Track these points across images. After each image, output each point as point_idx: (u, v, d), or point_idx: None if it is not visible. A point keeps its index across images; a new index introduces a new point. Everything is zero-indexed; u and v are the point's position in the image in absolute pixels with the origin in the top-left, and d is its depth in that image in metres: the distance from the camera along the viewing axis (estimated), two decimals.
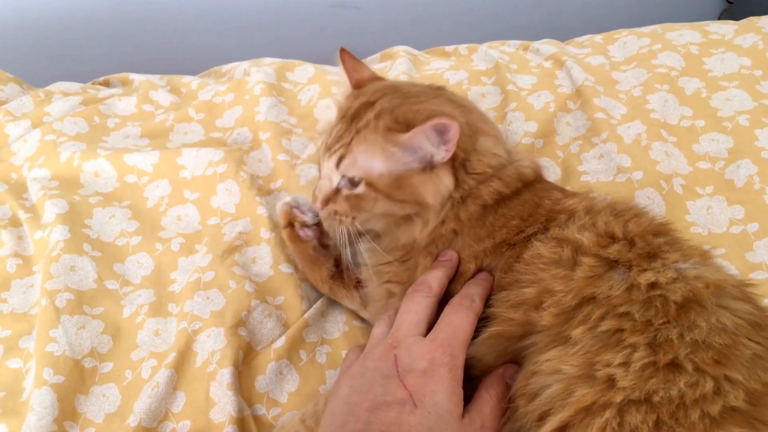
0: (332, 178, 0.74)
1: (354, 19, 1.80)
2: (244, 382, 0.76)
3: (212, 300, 0.82)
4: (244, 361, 0.78)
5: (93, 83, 1.27)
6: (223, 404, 0.72)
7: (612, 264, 0.61)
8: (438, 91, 0.78)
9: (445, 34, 1.59)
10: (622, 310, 0.57)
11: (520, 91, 1.08)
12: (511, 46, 1.25)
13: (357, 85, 0.81)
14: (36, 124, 1.09)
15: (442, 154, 0.69)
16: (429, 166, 0.70)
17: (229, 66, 1.28)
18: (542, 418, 0.57)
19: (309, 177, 0.98)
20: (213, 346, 0.76)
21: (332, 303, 0.86)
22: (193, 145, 1.05)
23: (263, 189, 0.97)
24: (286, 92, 1.15)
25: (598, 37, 1.23)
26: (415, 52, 1.27)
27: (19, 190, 0.99)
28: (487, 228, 0.71)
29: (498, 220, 0.71)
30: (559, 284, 0.61)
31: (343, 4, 1.80)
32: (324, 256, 0.85)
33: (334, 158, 0.72)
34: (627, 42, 1.18)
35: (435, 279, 0.69)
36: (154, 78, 1.23)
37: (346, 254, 0.80)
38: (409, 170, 0.70)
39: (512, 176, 0.73)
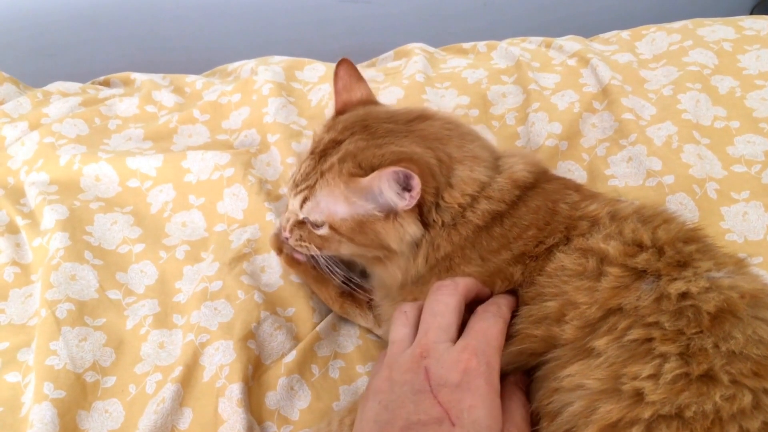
0: (298, 212, 0.76)
1: (365, 15, 1.81)
2: (254, 398, 0.76)
3: (220, 311, 0.82)
4: (254, 375, 0.78)
5: (93, 83, 1.28)
6: (233, 422, 0.72)
7: (640, 274, 0.61)
8: (411, 125, 0.76)
9: (462, 31, 1.59)
10: (650, 319, 0.57)
11: (542, 90, 1.08)
12: (532, 43, 1.25)
13: (341, 110, 0.82)
14: (34, 126, 1.10)
15: (405, 203, 0.68)
16: (393, 213, 0.70)
17: (236, 65, 1.29)
18: None
19: None
20: (221, 359, 0.77)
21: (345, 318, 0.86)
22: (198, 148, 1.06)
23: (272, 194, 0.98)
24: (295, 92, 1.16)
25: (625, 34, 1.23)
26: (431, 49, 1.27)
27: (16, 195, 1.00)
28: (497, 239, 0.71)
29: (510, 231, 0.70)
30: (582, 296, 0.61)
31: None
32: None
33: (299, 198, 0.75)
34: (656, 38, 1.18)
35: (460, 279, 0.68)
36: (157, 77, 1.24)
37: (336, 277, 0.81)
38: (372, 216, 0.71)
39: (504, 188, 0.72)
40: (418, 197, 0.68)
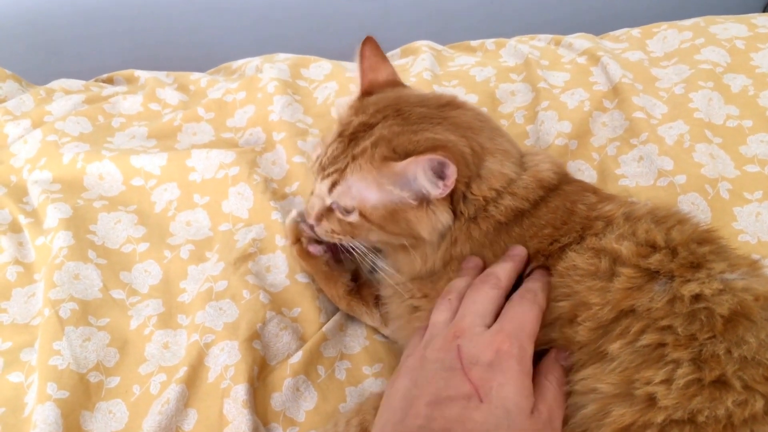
0: (324, 199, 0.75)
1: (370, 11, 1.81)
2: (259, 399, 0.76)
3: (225, 311, 0.82)
4: (259, 376, 0.78)
5: (96, 80, 1.29)
6: (238, 422, 0.72)
7: (653, 275, 0.61)
8: (444, 111, 0.76)
9: (470, 28, 1.59)
10: (663, 323, 0.57)
11: (552, 88, 1.08)
12: (541, 40, 1.26)
13: (367, 91, 0.81)
14: (37, 123, 1.11)
15: (438, 191, 0.69)
16: (425, 201, 0.71)
17: (240, 62, 1.29)
18: None
19: None
20: (226, 360, 0.77)
21: (352, 315, 0.86)
22: (203, 146, 1.06)
23: (278, 193, 0.98)
24: (301, 90, 1.16)
25: (635, 31, 1.23)
26: (439, 47, 1.27)
27: (19, 193, 1.01)
28: (514, 239, 0.71)
29: (528, 231, 0.71)
30: (595, 297, 0.61)
31: None
32: (339, 271, 0.85)
33: (327, 182, 0.74)
34: (667, 36, 1.18)
35: (503, 271, 0.68)
36: (161, 75, 1.25)
37: (365, 267, 0.80)
38: (404, 204, 0.71)
39: (529, 187, 0.73)
40: (452, 186, 0.68)
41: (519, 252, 0.70)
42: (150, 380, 0.78)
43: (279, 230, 0.92)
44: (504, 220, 0.71)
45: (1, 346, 0.82)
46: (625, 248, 0.63)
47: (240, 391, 0.74)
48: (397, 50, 1.31)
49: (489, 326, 0.62)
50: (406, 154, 0.68)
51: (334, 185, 0.73)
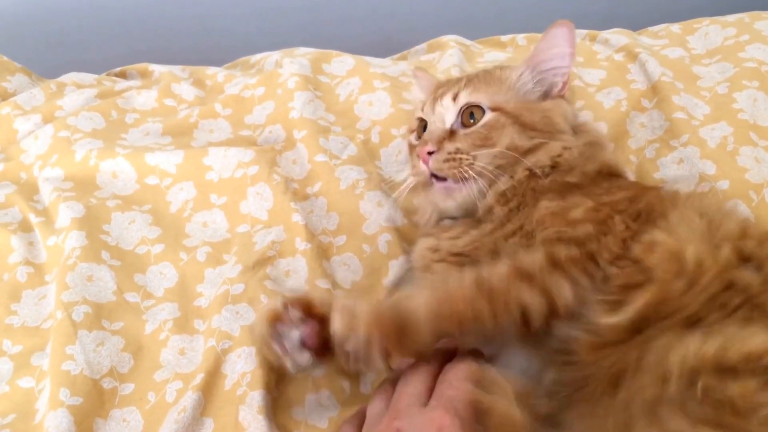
0: (445, 118, 0.84)
1: (392, 4, 1.81)
2: (279, 407, 0.77)
3: (242, 315, 0.83)
4: (278, 386, 0.78)
5: (108, 74, 1.30)
6: (253, 429, 0.73)
7: (746, 258, 0.63)
8: None
9: (498, 22, 1.59)
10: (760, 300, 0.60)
11: (587, 87, 1.08)
12: (576, 36, 1.25)
13: None
14: (48, 118, 1.12)
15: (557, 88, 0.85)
16: (547, 97, 0.85)
17: (258, 56, 1.30)
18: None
19: (350, 180, 0.99)
20: (243, 367, 0.77)
21: None
22: (220, 144, 1.07)
23: (298, 193, 0.99)
24: (322, 86, 1.17)
25: (675, 27, 1.23)
26: (467, 42, 1.28)
27: (29, 191, 1.02)
28: (606, 191, 0.76)
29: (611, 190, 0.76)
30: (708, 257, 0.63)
31: None
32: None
33: (449, 94, 0.83)
34: (709, 32, 1.17)
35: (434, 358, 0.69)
36: (176, 69, 1.26)
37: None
38: (531, 98, 0.84)
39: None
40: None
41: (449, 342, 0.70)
42: (166, 387, 0.79)
43: (300, 233, 0.92)
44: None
45: (11, 349, 0.83)
46: (729, 225, 0.66)
47: (256, 398, 0.75)
48: (423, 45, 1.31)
49: (425, 404, 0.63)
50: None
51: (458, 92, 0.84)
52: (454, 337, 0.66)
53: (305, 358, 0.67)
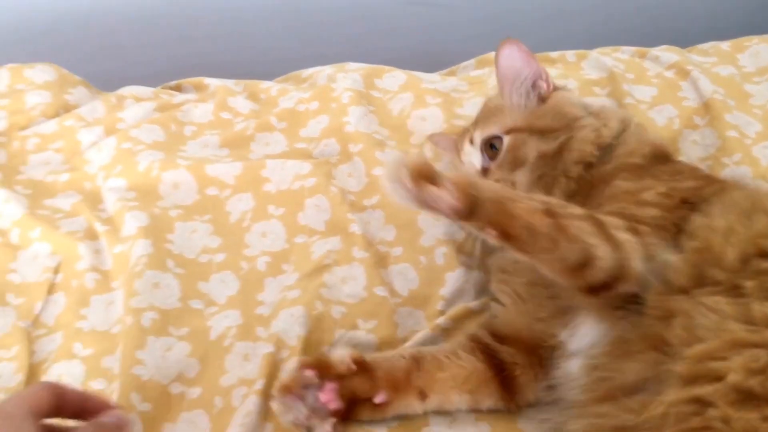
0: (473, 161, 0.91)
1: (437, 19, 1.84)
2: None
3: (297, 318, 0.86)
4: None
5: (164, 87, 1.34)
6: None
7: None
8: None
9: (544, 39, 1.61)
10: None
11: (638, 103, 1.10)
12: (624, 52, 1.27)
13: None
14: (109, 130, 1.15)
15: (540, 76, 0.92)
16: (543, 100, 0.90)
17: (311, 71, 1.33)
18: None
19: None
20: None
21: (437, 338, 0.87)
22: (276, 157, 1.10)
23: (356, 205, 1.02)
24: (375, 101, 1.20)
25: (724, 45, 1.24)
26: None
27: (94, 200, 1.06)
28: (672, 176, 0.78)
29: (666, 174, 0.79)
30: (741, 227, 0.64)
31: (423, 1, 1.84)
32: None
33: (467, 141, 0.92)
34: (759, 51, 1.19)
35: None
36: (230, 83, 1.30)
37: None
38: (531, 106, 0.89)
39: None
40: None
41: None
42: (232, 392, 0.81)
43: (357, 242, 0.96)
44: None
45: (81, 352, 0.86)
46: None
47: None
48: (472, 61, 1.34)
49: None
50: None
51: (472, 137, 0.92)
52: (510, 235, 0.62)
53: (328, 424, 0.72)
